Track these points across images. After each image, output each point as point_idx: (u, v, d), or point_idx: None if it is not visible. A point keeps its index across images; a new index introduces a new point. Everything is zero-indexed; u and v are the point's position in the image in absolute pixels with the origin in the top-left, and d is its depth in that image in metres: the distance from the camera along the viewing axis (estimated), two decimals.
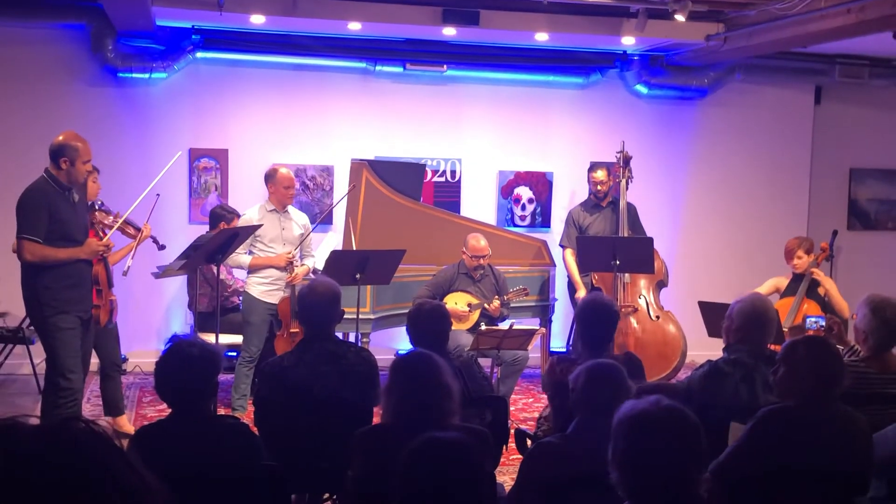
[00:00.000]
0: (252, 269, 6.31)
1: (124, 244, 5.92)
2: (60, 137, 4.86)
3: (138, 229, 5.72)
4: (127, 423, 5.89)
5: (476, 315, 6.62)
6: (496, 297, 6.62)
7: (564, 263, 7.43)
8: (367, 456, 3.04)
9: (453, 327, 6.53)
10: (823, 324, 5.16)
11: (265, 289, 6.29)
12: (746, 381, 3.74)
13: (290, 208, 6.51)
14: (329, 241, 7.28)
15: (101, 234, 5.29)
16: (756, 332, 3.87)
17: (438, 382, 3.03)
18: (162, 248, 6.04)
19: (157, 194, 5.79)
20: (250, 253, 6.31)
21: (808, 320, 5.36)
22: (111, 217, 5.54)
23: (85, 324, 5.00)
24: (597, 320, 4.11)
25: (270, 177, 6.40)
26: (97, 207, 5.64)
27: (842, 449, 3.11)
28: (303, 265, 6.38)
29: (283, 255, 6.27)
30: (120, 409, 5.88)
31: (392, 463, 2.28)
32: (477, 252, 6.62)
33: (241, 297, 6.94)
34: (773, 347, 5.66)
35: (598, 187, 7.35)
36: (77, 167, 4.82)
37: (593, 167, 7.49)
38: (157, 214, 5.95)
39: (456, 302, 6.55)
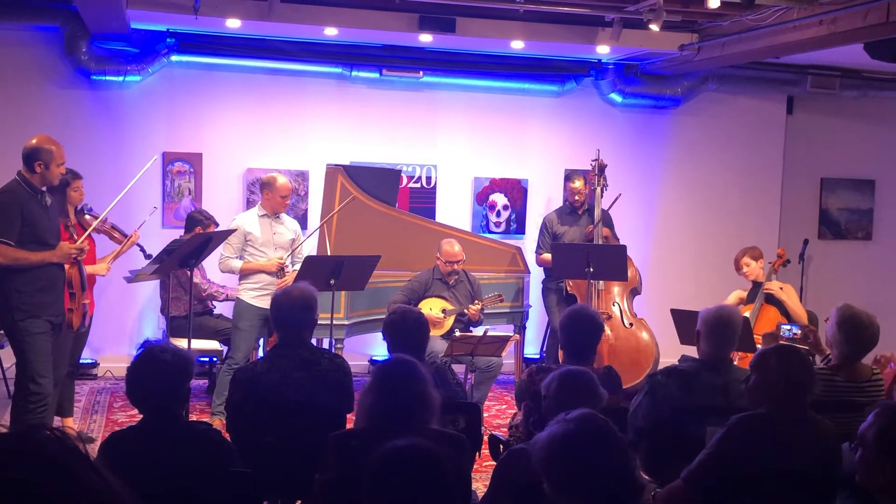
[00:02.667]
0: (243, 275, 6.26)
1: (110, 248, 5.99)
2: (34, 141, 4.83)
3: (125, 235, 5.77)
4: (72, 425, 5.95)
5: (451, 321, 6.63)
6: (474, 301, 6.64)
7: (540, 263, 7.47)
8: (341, 459, 3.03)
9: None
10: (797, 331, 5.21)
11: (256, 294, 6.23)
12: (684, 390, 3.78)
13: (282, 214, 6.49)
14: (304, 247, 7.25)
15: (75, 236, 5.27)
16: (714, 338, 3.90)
17: (417, 390, 3.03)
18: (148, 257, 6.03)
19: (155, 207, 5.92)
20: (240, 258, 6.27)
21: (782, 328, 5.39)
22: (98, 221, 5.51)
23: (56, 328, 4.95)
24: (581, 332, 4.11)
25: (268, 184, 6.30)
26: (86, 212, 5.65)
27: (810, 456, 3.15)
28: (293, 270, 6.34)
29: (275, 260, 6.23)
30: (68, 411, 5.90)
31: (364, 467, 2.28)
32: (451, 258, 6.63)
33: (213, 303, 6.92)
34: (742, 355, 5.74)
35: (576, 197, 7.36)
36: (51, 170, 4.79)
37: (570, 176, 7.50)
38: (131, 218, 5.95)
39: (431, 308, 6.56)
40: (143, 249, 6.05)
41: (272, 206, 6.30)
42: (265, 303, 6.22)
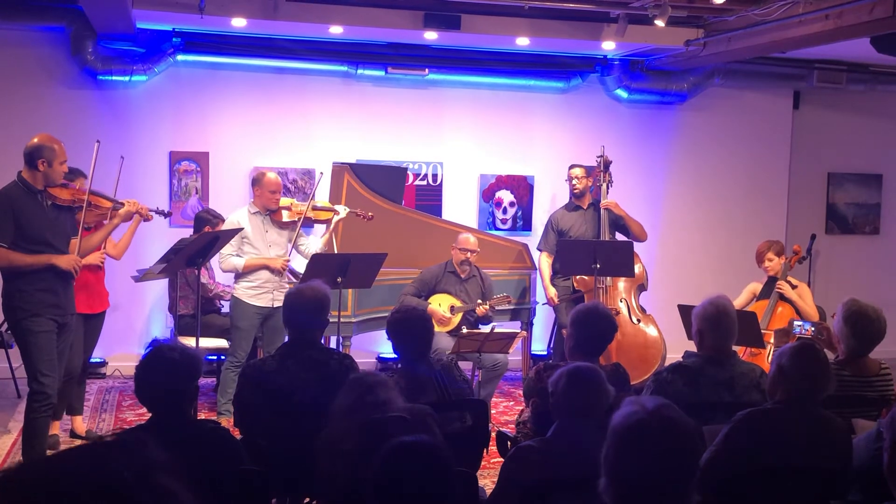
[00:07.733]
0: (242, 273, 6.22)
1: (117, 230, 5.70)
2: (35, 139, 4.82)
3: (116, 201, 5.29)
4: (81, 424, 5.98)
5: (458, 319, 6.63)
6: (481, 301, 6.62)
7: (538, 267, 7.49)
8: (331, 463, 3.02)
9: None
10: (808, 327, 5.18)
11: (254, 292, 6.20)
12: (690, 385, 3.78)
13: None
14: (309, 245, 7.25)
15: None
16: (712, 332, 3.89)
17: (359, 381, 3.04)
18: (168, 214, 6.03)
19: (122, 157, 5.74)
20: (239, 255, 6.23)
21: (794, 324, 5.36)
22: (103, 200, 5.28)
23: (62, 327, 4.95)
24: (594, 329, 4.09)
25: (257, 181, 6.31)
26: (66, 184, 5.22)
27: (819, 451, 3.14)
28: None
29: (280, 259, 6.21)
30: (77, 409, 5.94)
31: (355, 466, 2.29)
32: (465, 245, 6.68)
33: (221, 301, 6.92)
34: (753, 350, 5.72)
35: (574, 182, 7.24)
36: (55, 168, 4.78)
37: (570, 167, 7.48)
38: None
39: (440, 304, 6.57)
40: (161, 212, 5.70)
41: (262, 202, 6.26)
42: (262, 301, 6.20)
